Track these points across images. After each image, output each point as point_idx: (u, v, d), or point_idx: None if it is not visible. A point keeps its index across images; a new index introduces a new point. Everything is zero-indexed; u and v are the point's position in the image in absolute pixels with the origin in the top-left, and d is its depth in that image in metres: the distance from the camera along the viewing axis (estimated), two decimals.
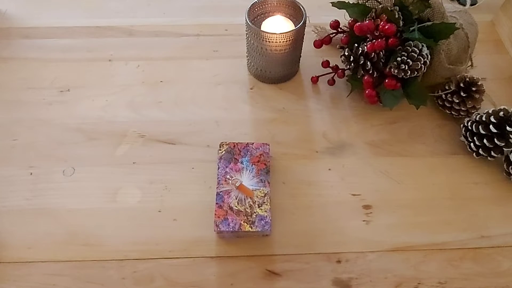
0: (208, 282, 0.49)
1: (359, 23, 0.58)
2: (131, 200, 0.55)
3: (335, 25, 0.64)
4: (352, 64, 0.60)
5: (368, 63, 0.58)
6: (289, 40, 0.59)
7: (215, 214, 0.50)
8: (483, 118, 0.56)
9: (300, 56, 0.67)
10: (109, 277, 0.49)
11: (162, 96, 0.65)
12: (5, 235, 0.52)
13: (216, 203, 0.51)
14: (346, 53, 0.61)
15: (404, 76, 0.57)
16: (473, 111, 0.59)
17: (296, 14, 0.63)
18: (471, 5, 0.78)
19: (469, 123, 0.58)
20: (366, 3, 0.61)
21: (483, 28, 0.72)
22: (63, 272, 0.49)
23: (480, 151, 0.56)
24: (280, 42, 0.59)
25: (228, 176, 0.53)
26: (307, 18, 0.60)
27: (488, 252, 0.51)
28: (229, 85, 0.67)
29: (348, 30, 0.63)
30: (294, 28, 0.60)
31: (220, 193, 0.51)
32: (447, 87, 0.61)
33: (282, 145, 0.60)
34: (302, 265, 0.50)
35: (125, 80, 0.67)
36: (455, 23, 0.55)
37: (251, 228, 0.49)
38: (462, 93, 0.59)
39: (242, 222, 0.49)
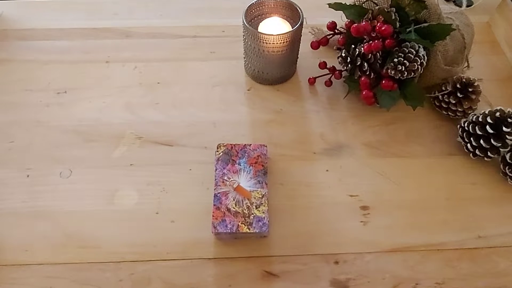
0: (206, 284, 0.49)
1: (356, 24, 0.58)
2: (128, 202, 0.54)
3: (332, 26, 0.64)
4: (349, 65, 0.60)
5: (365, 64, 0.59)
6: (286, 42, 0.59)
7: (212, 216, 0.50)
8: (480, 119, 0.56)
9: (297, 57, 0.67)
10: (106, 279, 0.49)
11: (159, 97, 0.65)
12: (2, 237, 0.51)
13: (214, 205, 0.50)
14: (343, 54, 0.61)
15: (401, 77, 0.57)
16: (469, 112, 0.60)
17: (293, 15, 0.63)
18: (467, 6, 0.78)
19: (466, 124, 0.58)
20: (363, 4, 0.61)
21: (479, 29, 0.72)
22: (60, 275, 0.49)
23: (477, 152, 0.57)
24: (277, 43, 0.59)
25: (225, 178, 0.53)
26: (304, 19, 0.60)
27: (485, 253, 0.51)
28: (226, 87, 0.67)
29: (345, 31, 0.63)
30: (291, 29, 0.60)
31: (218, 195, 0.51)
32: (443, 88, 0.61)
33: (280, 147, 0.60)
34: (300, 266, 0.50)
35: (122, 81, 0.67)
36: (452, 24, 0.55)
37: (249, 229, 0.49)
38: (458, 94, 0.59)
39: (239, 224, 0.49)
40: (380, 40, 0.57)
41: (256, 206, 0.50)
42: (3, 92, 0.65)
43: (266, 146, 0.56)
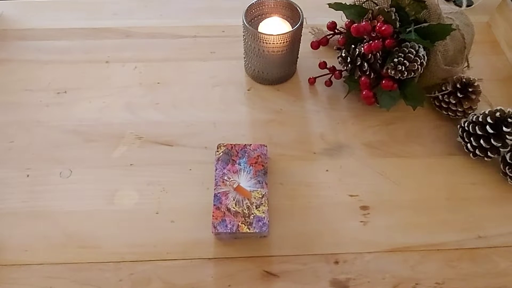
0: (205, 284, 0.49)
1: (356, 24, 0.58)
2: (128, 202, 0.54)
3: (332, 26, 0.64)
4: (349, 65, 0.60)
5: (365, 64, 0.59)
6: (286, 42, 0.59)
7: (212, 216, 0.50)
8: (480, 119, 0.56)
9: (297, 57, 0.67)
10: (106, 279, 0.49)
11: (159, 97, 0.65)
12: (2, 237, 0.51)
13: (214, 205, 0.50)
14: (343, 54, 0.61)
15: (401, 77, 0.57)
16: (469, 112, 0.60)
17: (293, 15, 0.63)
18: (467, 6, 0.78)
19: (466, 124, 0.58)
20: (363, 4, 0.61)
21: (479, 29, 0.72)
22: (60, 275, 0.49)
23: (477, 152, 0.56)
24: (277, 43, 0.59)
25: (225, 178, 0.53)
26: (304, 19, 0.60)
27: (485, 253, 0.51)
28: (226, 87, 0.67)
29: (345, 31, 0.63)
30: (291, 29, 0.60)
31: (218, 195, 0.51)
32: (443, 88, 0.61)
33: (280, 146, 0.60)
34: (299, 266, 0.50)
35: (122, 81, 0.67)
36: (452, 24, 0.55)
37: (249, 229, 0.49)
38: (458, 94, 0.59)
39: (239, 224, 0.49)
40: (380, 40, 0.57)
41: (256, 206, 0.50)
42: (3, 92, 0.65)
43: (266, 146, 0.56)
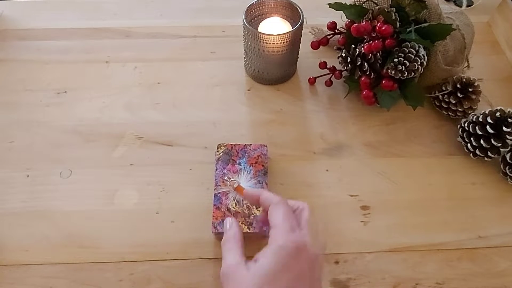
0: (205, 284, 0.49)
1: (356, 24, 0.58)
2: (128, 202, 0.54)
3: (332, 26, 0.65)
4: (349, 65, 0.60)
5: (365, 64, 0.59)
6: (287, 41, 0.59)
7: (212, 216, 0.50)
8: (480, 119, 0.56)
9: (298, 57, 0.67)
10: (106, 279, 0.49)
11: (160, 97, 0.65)
12: (2, 237, 0.51)
13: (214, 205, 0.50)
14: (343, 54, 0.61)
15: (401, 77, 0.57)
16: (469, 112, 0.60)
17: (293, 15, 0.63)
18: (467, 6, 0.78)
19: (466, 124, 0.58)
20: (363, 4, 0.61)
21: (480, 29, 0.72)
22: (60, 275, 0.49)
23: (477, 152, 0.56)
24: (277, 43, 0.59)
25: (225, 178, 0.53)
26: (304, 19, 0.60)
27: (485, 253, 0.51)
28: (226, 87, 0.67)
29: (345, 31, 0.63)
30: (291, 29, 0.60)
31: (218, 195, 0.51)
32: (444, 88, 0.61)
33: (280, 146, 0.60)
34: None
35: (122, 81, 0.67)
36: (452, 24, 0.55)
37: (249, 229, 0.49)
38: (458, 94, 0.59)
39: (239, 224, 0.49)
40: (380, 40, 0.57)
41: (256, 206, 0.50)
42: (3, 92, 0.65)
43: (266, 146, 0.56)
